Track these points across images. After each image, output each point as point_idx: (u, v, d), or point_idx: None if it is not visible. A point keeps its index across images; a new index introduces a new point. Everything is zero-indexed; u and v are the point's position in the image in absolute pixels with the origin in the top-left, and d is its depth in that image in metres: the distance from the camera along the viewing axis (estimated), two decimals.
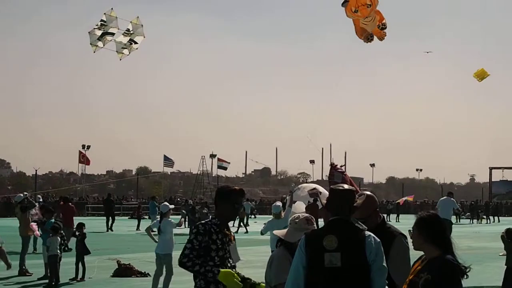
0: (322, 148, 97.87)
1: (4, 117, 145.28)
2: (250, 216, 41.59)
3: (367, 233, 4.48)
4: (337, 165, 8.94)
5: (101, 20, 19.03)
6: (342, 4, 12.76)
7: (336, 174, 7.92)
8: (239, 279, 5.10)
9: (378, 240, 4.48)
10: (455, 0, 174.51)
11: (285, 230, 5.42)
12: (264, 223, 13.85)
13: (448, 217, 20.92)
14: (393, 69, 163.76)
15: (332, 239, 4.41)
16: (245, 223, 36.10)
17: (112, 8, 19.31)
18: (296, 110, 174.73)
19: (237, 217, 27.16)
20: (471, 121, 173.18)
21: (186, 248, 5.15)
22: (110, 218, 34.38)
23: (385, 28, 13.03)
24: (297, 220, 5.35)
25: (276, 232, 5.61)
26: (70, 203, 24.18)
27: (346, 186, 4.79)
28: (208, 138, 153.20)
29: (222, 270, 5.10)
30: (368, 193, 5.40)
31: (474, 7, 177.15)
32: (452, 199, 21.60)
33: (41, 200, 30.45)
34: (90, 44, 19.03)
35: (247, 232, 33.31)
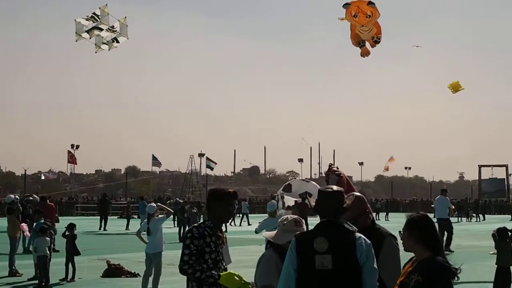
0: (311, 147, 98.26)
1: None
2: (247, 214, 41.84)
3: (358, 234, 4.49)
4: (334, 166, 8.95)
5: (93, 13, 19.00)
6: (344, 6, 12.90)
7: (331, 177, 7.91)
8: (242, 278, 5.12)
9: (369, 241, 4.49)
10: None
11: (274, 232, 5.41)
12: (259, 222, 13.91)
13: (444, 216, 20.92)
14: (383, 68, 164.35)
15: (322, 241, 4.40)
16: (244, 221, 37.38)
17: (106, 4, 19.32)
18: (285, 109, 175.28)
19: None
20: (460, 119, 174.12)
21: (185, 255, 5.12)
22: (104, 217, 34.51)
23: (379, 42, 13.17)
24: (285, 222, 5.35)
25: (265, 234, 5.62)
26: (48, 201, 23.75)
27: (334, 188, 4.77)
28: (197, 137, 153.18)
29: (222, 273, 5.12)
30: (357, 193, 5.40)
31: (465, 6, 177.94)
32: (446, 197, 21.56)
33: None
34: (75, 32, 19.02)
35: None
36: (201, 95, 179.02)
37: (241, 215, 42.03)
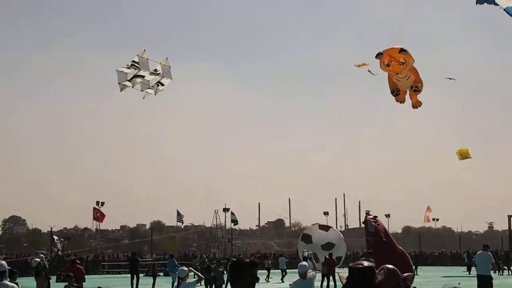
0: (336, 198, 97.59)
1: (16, 173, 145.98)
2: (284, 270, 40.64)
3: None
4: (371, 214, 8.98)
5: (133, 61, 19.26)
6: (376, 56, 13.05)
7: (369, 223, 7.93)
8: None
9: None
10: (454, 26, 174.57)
11: None
12: (290, 284, 13.82)
13: (487, 273, 20.48)
14: (407, 117, 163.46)
15: None
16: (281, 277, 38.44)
17: (144, 50, 19.59)
18: (310, 161, 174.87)
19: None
20: (488, 167, 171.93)
21: None
22: (135, 276, 33.11)
23: (418, 90, 13.22)
24: None
25: None
26: (77, 264, 23.12)
27: (365, 264, 4.72)
28: (220, 191, 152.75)
29: None
30: (389, 266, 5.33)
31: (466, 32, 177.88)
32: (489, 252, 21.19)
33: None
34: (118, 83, 19.23)
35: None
36: (224, 147, 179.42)
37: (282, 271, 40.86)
